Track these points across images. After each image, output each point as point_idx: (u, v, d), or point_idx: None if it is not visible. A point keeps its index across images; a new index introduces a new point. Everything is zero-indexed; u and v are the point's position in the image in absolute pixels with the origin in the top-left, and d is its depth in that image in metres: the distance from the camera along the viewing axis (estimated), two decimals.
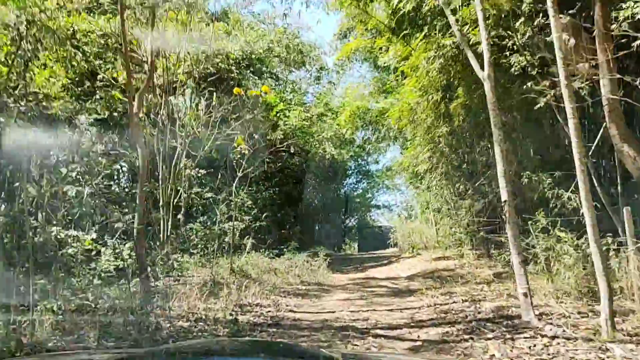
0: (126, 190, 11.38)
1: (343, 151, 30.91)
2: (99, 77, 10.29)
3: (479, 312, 6.30)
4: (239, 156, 10.10)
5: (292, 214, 20.40)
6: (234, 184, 11.03)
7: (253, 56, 15.22)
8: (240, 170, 11.04)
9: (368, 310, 7.21)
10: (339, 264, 16.92)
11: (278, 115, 14.78)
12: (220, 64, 13.86)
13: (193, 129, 10.99)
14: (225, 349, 2.25)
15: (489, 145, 10.78)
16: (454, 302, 7.30)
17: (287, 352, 2.18)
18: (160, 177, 10.38)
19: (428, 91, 11.50)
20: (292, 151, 20.31)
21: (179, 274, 9.38)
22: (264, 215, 14.47)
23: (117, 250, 7.80)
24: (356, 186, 34.50)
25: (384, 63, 14.20)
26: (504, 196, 5.59)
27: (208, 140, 10.78)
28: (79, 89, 10.63)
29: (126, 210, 11.57)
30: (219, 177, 12.71)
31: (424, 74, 11.06)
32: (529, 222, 7.48)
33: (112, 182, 10.85)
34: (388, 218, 36.97)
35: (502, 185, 5.62)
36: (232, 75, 14.73)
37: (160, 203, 10.18)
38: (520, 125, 10.19)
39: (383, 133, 15.98)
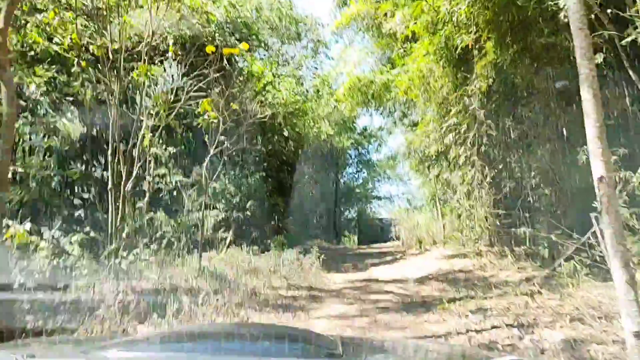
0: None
1: (343, 138, 28.76)
2: None
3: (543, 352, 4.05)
4: (206, 126, 7.80)
5: (284, 204, 18.12)
6: (204, 164, 8.75)
7: (239, 20, 12.90)
8: (213, 147, 8.78)
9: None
10: (337, 261, 14.69)
11: (266, 88, 12.46)
12: (198, 26, 11.58)
13: (160, 99, 8.73)
14: (225, 333, 2.29)
15: (524, 115, 8.51)
16: (494, 326, 5.05)
17: (283, 334, 2.20)
18: (113, 154, 8.12)
19: (444, 54, 9.23)
20: (285, 134, 18.09)
21: (127, 277, 7.15)
22: (248, 204, 12.22)
23: None
24: (356, 176, 32.33)
25: (390, 30, 11.88)
26: (598, 170, 3.31)
27: (178, 113, 8.54)
28: None
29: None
30: (191, 156, 10.44)
31: (439, 35, 8.81)
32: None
33: None
34: (389, 210, 34.79)
35: (595, 152, 3.35)
36: (215, 42, 12.41)
37: (109, 186, 7.92)
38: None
39: (388, 110, 13.67)
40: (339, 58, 16.17)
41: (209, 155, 8.73)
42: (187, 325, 5.17)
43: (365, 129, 30.69)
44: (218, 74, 9.38)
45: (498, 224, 11.33)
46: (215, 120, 7.57)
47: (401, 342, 3.29)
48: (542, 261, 8.40)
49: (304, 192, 24.20)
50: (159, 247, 8.80)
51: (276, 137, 17.45)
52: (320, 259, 11.48)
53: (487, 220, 12.09)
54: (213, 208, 11.47)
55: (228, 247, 10.80)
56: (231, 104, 8.91)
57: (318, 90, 17.85)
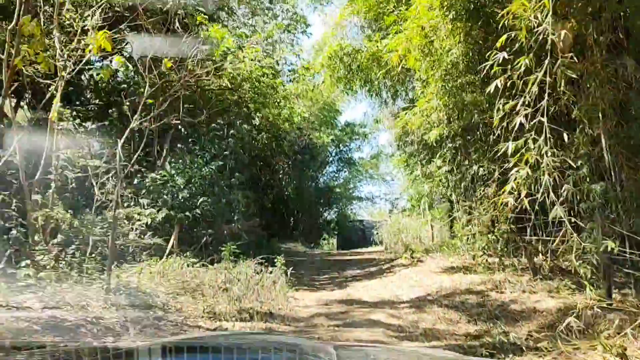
0: None
1: (322, 134, 26.24)
2: None
3: None
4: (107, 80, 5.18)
5: (250, 202, 15.48)
6: (119, 144, 6.10)
7: None
8: (136, 119, 6.14)
9: None
10: (311, 270, 12.10)
11: (225, 56, 9.83)
12: None
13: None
14: (216, 344, 2.24)
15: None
16: None
17: (278, 345, 2.21)
18: None
19: (456, 3, 6.77)
20: (255, 122, 15.47)
21: None
22: (200, 201, 9.59)
23: None
24: (337, 175, 29.71)
25: None
26: None
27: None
28: None
29: None
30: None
31: None
32: None
33: None
34: (370, 212, 32.36)
35: None
36: None
37: None
38: None
39: (376, 88, 11.13)
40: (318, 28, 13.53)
41: (127, 131, 6.07)
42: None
43: (347, 125, 28.23)
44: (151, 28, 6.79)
45: (511, 228, 8.97)
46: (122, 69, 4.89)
47: (398, 351, 3.08)
48: (588, 282, 5.93)
49: (278, 190, 21.56)
50: (57, 257, 6.11)
51: (244, 124, 14.80)
52: (289, 272, 8.89)
53: (494, 224, 9.77)
54: (152, 205, 8.80)
55: (168, 256, 8.14)
56: (164, 60, 6.27)
57: (294, 70, 15.30)
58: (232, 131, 12.93)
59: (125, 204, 7.90)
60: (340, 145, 28.61)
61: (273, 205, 22.61)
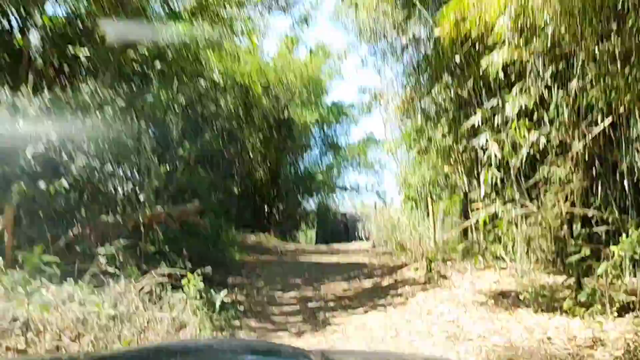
0: None
1: (305, 112, 22.17)
2: None
3: None
4: None
5: (209, 181, 11.47)
6: None
7: None
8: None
9: None
10: (274, 281, 8.08)
11: None
12: None
13: None
14: (206, 348, 2.03)
15: None
16: None
17: (266, 350, 2.04)
18: None
19: None
20: (215, 78, 11.33)
21: None
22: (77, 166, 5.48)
23: None
24: (319, 161, 25.59)
25: None
26: None
27: None
28: None
29: None
30: None
31: None
32: None
33: None
34: (354, 204, 28.38)
35: None
36: None
37: None
38: None
39: None
40: None
41: None
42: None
43: (334, 105, 24.14)
44: None
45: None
46: None
47: (387, 355, 2.94)
48: None
49: (248, 172, 17.43)
50: None
51: (198, 79, 10.83)
52: (234, 287, 4.88)
53: (562, 227, 6.11)
54: None
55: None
56: None
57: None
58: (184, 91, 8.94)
59: None
60: (325, 127, 24.53)
61: (242, 190, 18.48)
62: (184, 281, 4.27)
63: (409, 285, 6.57)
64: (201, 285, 4.30)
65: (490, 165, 5.51)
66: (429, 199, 13.81)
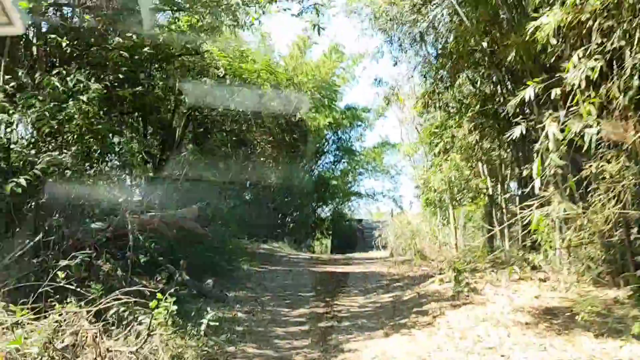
0: None
1: (319, 117, 21.36)
2: None
3: None
4: None
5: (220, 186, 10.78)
6: None
7: None
8: None
9: None
10: (282, 294, 7.17)
11: None
12: None
13: None
14: None
15: None
16: None
17: None
18: None
19: None
20: (220, 73, 10.57)
21: None
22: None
23: None
24: (333, 166, 24.68)
25: None
26: None
27: None
28: None
29: None
30: None
31: None
32: None
33: None
34: (369, 211, 27.37)
35: None
36: None
37: None
38: None
39: None
40: None
41: None
42: None
43: (348, 109, 23.27)
44: None
45: None
46: None
47: None
48: None
49: (260, 178, 16.62)
50: None
51: (201, 74, 10.29)
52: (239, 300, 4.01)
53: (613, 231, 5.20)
54: None
55: None
56: None
57: None
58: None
59: None
60: (339, 131, 23.67)
61: (253, 197, 17.69)
62: (152, 303, 3.40)
63: (435, 300, 5.62)
64: (174, 307, 3.42)
65: (547, 151, 4.41)
66: (449, 203, 12.85)
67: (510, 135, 5.90)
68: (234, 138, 12.70)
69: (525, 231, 6.38)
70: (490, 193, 10.68)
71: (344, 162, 24.64)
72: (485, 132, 8.42)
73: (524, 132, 5.83)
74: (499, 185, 10.75)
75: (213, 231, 9.95)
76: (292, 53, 21.79)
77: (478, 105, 7.67)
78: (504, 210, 9.70)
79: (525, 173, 6.16)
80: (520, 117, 5.54)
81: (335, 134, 23.63)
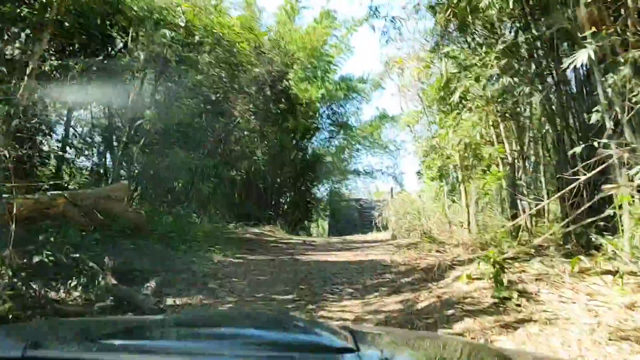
0: None
1: (311, 88, 19.21)
2: None
3: None
4: None
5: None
6: None
7: None
8: None
9: None
10: (253, 296, 5.23)
11: None
12: None
13: None
14: (231, 319, 2.08)
15: None
16: None
17: (292, 324, 1.94)
18: None
19: None
20: (181, 22, 8.48)
21: None
22: None
23: None
24: (328, 142, 22.63)
25: None
26: None
27: None
28: None
29: None
30: None
31: None
32: None
33: None
34: (368, 190, 25.39)
35: None
36: None
37: None
38: None
39: None
40: None
41: None
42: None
43: (342, 80, 21.05)
44: None
45: None
46: None
47: (418, 335, 2.78)
48: None
49: (244, 154, 14.64)
50: None
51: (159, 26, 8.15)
52: None
53: None
54: None
55: None
56: None
57: None
58: None
59: None
60: (334, 105, 21.52)
61: (239, 176, 15.68)
62: None
63: (467, 312, 3.63)
64: None
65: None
66: (462, 174, 10.84)
67: (573, 61, 3.89)
68: (207, 106, 10.64)
69: (588, 204, 4.40)
70: (512, 159, 8.73)
71: (339, 137, 22.56)
72: (520, 72, 6.29)
73: (593, 57, 3.82)
74: (528, 148, 8.74)
75: (176, 215, 8.01)
76: (280, 19, 19.61)
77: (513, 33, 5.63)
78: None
79: (594, 119, 4.12)
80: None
81: (330, 107, 21.51)
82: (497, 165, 8.24)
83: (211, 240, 8.59)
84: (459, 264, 5.99)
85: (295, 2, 18.89)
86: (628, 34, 3.94)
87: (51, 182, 4.93)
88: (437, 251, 8.40)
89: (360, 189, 24.94)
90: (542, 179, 7.75)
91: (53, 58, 7.83)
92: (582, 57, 3.87)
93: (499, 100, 6.41)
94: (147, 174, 7.59)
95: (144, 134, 8.22)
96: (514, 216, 8.38)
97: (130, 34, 8.19)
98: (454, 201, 11.96)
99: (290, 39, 18.26)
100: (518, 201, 8.59)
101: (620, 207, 3.68)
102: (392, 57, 16.67)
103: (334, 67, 20.85)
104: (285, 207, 21.10)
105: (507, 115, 7.19)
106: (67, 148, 7.89)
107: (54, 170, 7.56)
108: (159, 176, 7.84)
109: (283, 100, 16.01)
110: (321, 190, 23.17)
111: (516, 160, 9.01)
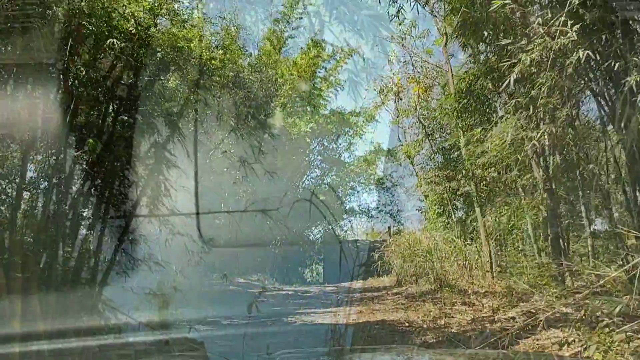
0: None
1: (300, 122, 17.62)
2: None
3: None
4: None
5: None
6: None
7: None
8: None
9: None
10: None
11: None
12: None
13: None
14: None
15: None
16: None
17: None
18: None
19: None
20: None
21: None
22: None
23: None
24: (320, 180, 20.85)
25: None
26: None
27: None
28: None
29: None
30: None
31: None
32: None
33: None
34: (365, 230, 23.43)
35: None
36: None
37: None
38: None
39: None
40: None
41: None
42: None
43: (333, 113, 19.48)
44: None
45: None
46: None
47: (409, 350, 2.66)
48: None
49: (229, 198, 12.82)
50: None
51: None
52: None
53: None
54: None
55: None
56: None
57: None
58: None
59: None
60: (325, 140, 19.85)
61: (221, 220, 13.74)
62: None
63: None
64: None
65: None
66: (477, 208, 9.06)
67: None
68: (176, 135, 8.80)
69: None
70: (550, 185, 6.94)
71: (332, 175, 20.81)
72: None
73: None
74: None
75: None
76: (265, 50, 18.22)
77: None
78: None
79: None
80: None
81: (320, 142, 19.86)
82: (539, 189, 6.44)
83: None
84: (512, 325, 4.07)
85: (282, 32, 17.58)
86: None
87: None
88: (464, 304, 6.49)
89: (356, 229, 23.03)
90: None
91: None
92: None
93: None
94: None
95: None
96: (558, 254, 6.53)
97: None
98: (465, 240, 10.11)
99: (277, 71, 16.81)
100: (558, 235, 6.76)
101: None
102: (386, 83, 15.29)
103: (323, 102, 19.41)
104: (275, 252, 19.04)
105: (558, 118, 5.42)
106: None
107: None
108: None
109: (269, 134, 14.27)
110: (314, 232, 21.18)
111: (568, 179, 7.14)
